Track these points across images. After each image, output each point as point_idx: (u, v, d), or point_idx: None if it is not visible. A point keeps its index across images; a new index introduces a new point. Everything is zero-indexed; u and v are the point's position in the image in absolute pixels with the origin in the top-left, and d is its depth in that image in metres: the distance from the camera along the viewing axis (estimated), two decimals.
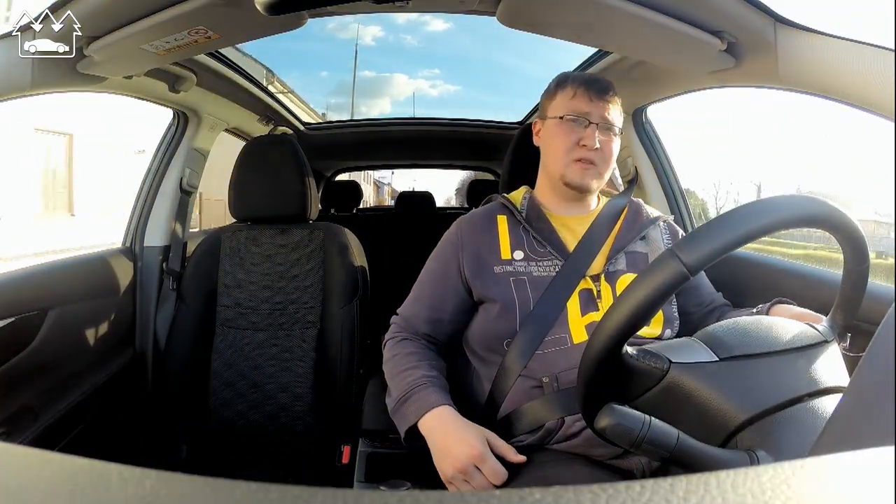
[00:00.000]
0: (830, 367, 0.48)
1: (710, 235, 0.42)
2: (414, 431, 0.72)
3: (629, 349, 0.46)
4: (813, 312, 0.65)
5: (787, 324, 0.51)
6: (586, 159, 0.81)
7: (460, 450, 0.66)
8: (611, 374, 0.46)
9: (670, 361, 0.46)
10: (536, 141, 0.90)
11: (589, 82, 0.84)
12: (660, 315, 0.78)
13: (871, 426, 0.26)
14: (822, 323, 0.54)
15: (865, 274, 0.51)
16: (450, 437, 0.68)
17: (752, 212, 0.43)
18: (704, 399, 0.46)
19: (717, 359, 0.47)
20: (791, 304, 0.73)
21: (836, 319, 0.54)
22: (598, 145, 0.80)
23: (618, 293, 0.75)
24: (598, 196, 0.91)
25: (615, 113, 0.84)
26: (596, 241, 0.81)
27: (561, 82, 0.88)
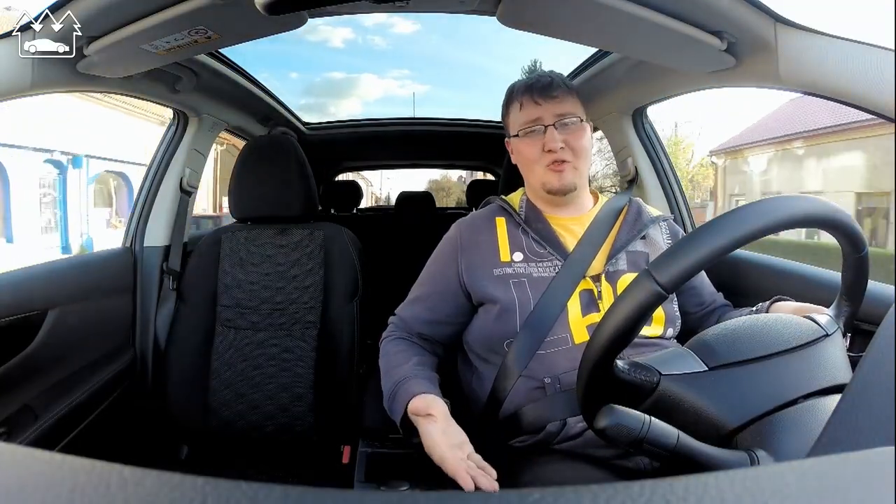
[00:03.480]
0: (829, 364, 0.47)
1: (683, 254, 0.42)
2: (410, 425, 0.72)
3: (619, 363, 0.47)
4: (813, 305, 0.64)
5: (782, 323, 0.50)
6: (557, 161, 0.81)
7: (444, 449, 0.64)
8: (605, 387, 0.47)
9: (660, 374, 0.47)
10: (514, 159, 0.90)
11: (531, 87, 0.84)
12: (662, 315, 0.78)
13: (871, 426, 0.26)
14: (825, 314, 0.53)
15: (865, 261, 0.50)
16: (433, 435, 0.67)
17: (724, 225, 0.43)
18: (695, 409, 0.46)
19: (707, 368, 0.47)
20: (790, 301, 0.72)
21: (841, 309, 0.54)
22: (561, 144, 0.80)
23: (619, 293, 0.76)
24: (595, 194, 0.91)
25: (569, 105, 0.82)
26: (595, 240, 0.81)
27: (508, 98, 0.88)
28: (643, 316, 0.43)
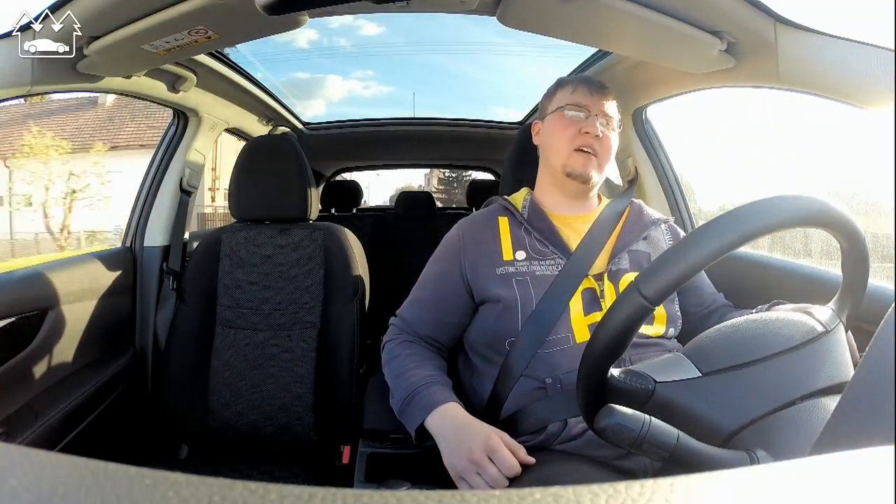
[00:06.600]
0: (828, 363, 0.47)
1: (668, 266, 0.43)
2: (423, 431, 0.72)
3: (615, 372, 0.47)
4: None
5: (780, 322, 0.50)
6: (588, 147, 0.82)
7: (473, 441, 0.66)
8: (602, 394, 0.47)
9: (655, 381, 0.47)
10: (536, 140, 0.91)
11: (587, 79, 0.87)
12: (663, 314, 0.78)
13: (871, 426, 0.26)
14: (827, 308, 0.53)
15: (864, 252, 0.50)
16: (461, 431, 0.68)
17: (709, 235, 0.43)
18: (690, 415, 0.46)
19: (701, 374, 0.47)
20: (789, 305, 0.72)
21: (843, 303, 0.53)
22: (599, 133, 0.82)
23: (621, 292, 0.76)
24: (598, 196, 0.92)
25: (613, 109, 0.86)
26: (598, 239, 0.81)
27: (560, 82, 0.90)
28: (631, 329, 0.44)
